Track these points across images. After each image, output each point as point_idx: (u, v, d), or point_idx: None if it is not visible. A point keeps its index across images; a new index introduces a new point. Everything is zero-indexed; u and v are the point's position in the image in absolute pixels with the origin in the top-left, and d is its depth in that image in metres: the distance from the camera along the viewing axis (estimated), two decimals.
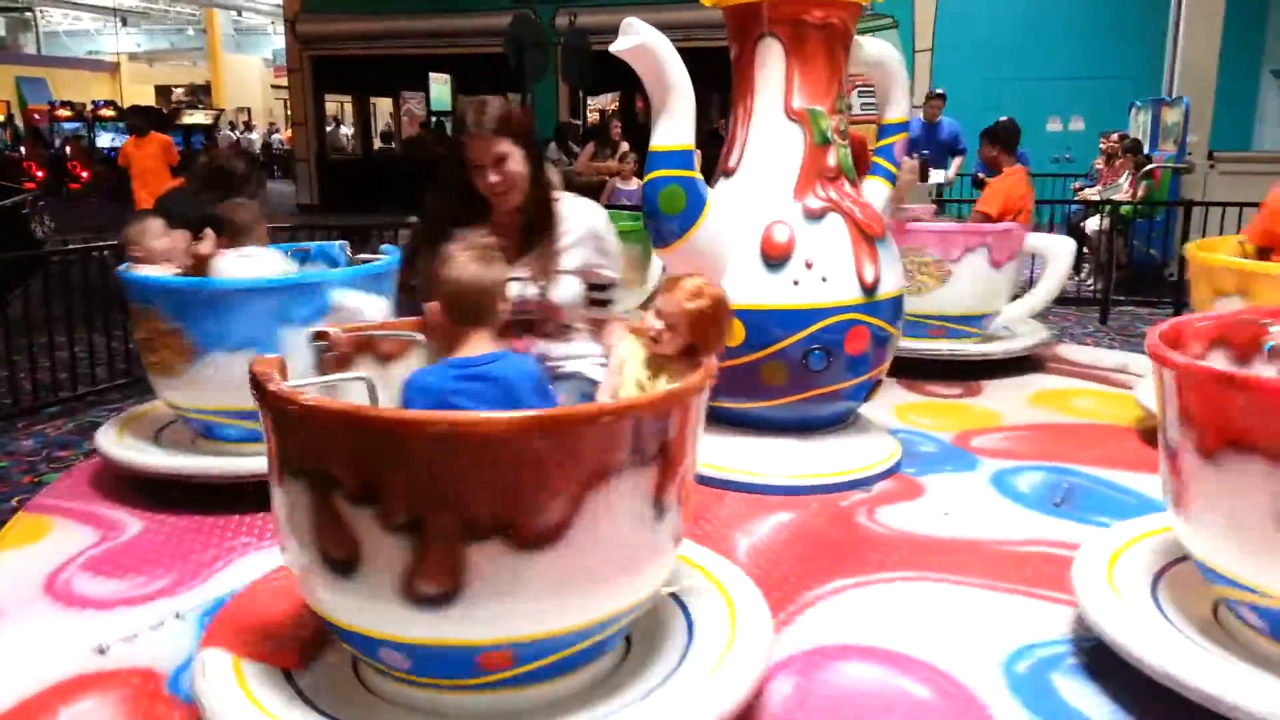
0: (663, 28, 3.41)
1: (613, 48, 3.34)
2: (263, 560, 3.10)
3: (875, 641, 2.67)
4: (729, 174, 3.91)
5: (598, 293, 2.81)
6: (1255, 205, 8.86)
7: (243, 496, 3.49)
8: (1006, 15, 12.78)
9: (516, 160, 2.57)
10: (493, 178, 2.55)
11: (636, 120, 10.93)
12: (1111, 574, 2.67)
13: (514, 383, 2.03)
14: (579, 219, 2.73)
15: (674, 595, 2.46)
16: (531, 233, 2.68)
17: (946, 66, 12.67)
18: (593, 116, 16.11)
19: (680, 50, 3.40)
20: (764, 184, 3.82)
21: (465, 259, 2.14)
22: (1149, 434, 4.35)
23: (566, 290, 2.68)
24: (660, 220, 3.62)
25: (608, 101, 17.66)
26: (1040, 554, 3.28)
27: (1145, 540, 2.85)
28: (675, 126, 3.47)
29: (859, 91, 13.56)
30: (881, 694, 2.44)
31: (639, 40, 3.32)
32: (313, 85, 16.98)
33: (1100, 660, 2.55)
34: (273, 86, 30.73)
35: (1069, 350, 6.25)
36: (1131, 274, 7.81)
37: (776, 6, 3.76)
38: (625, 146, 8.50)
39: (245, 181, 4.43)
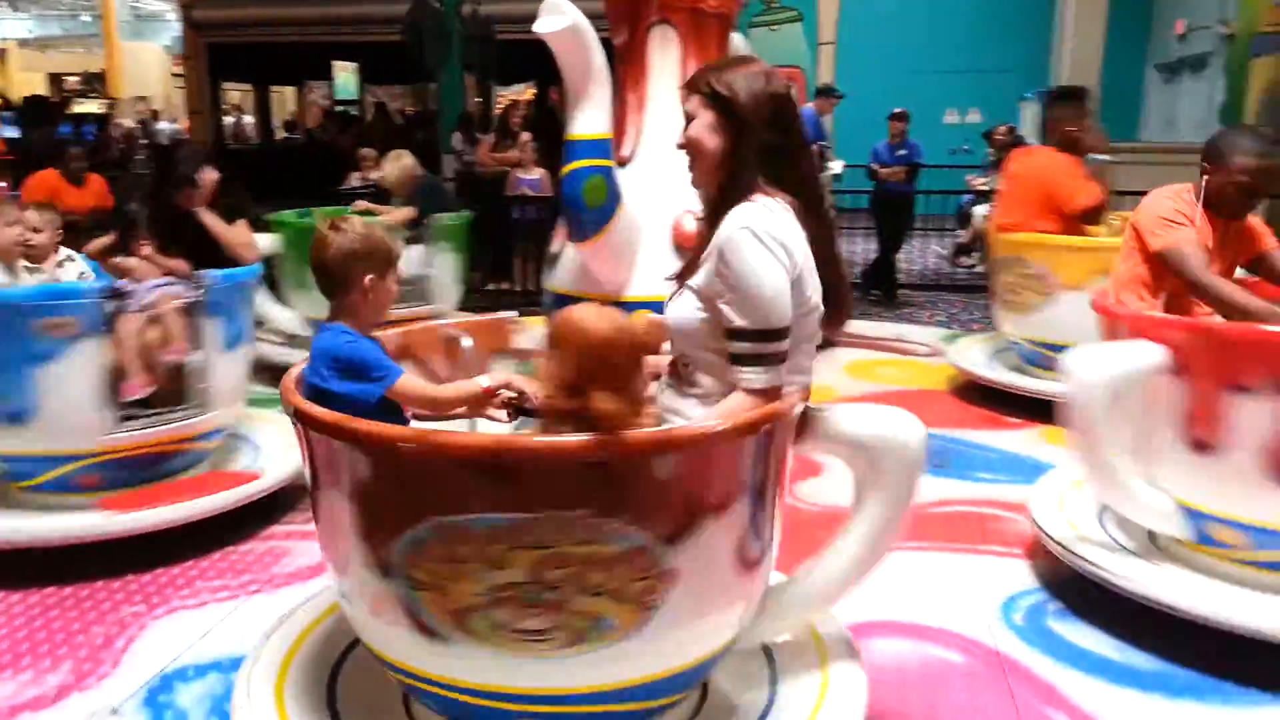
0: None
1: (537, 27, 3.20)
2: (174, 629, 2.76)
3: (885, 616, 2.80)
4: (623, 163, 3.92)
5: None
6: (1139, 194, 9.30)
7: (90, 558, 3.04)
8: (907, 9, 13.10)
9: (704, 127, 2.04)
10: (678, 138, 2.14)
11: (549, 111, 10.86)
12: (1066, 518, 3.02)
13: (312, 356, 2.11)
14: (723, 228, 1.98)
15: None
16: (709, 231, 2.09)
17: (850, 59, 12.95)
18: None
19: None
20: (666, 173, 3.83)
21: (323, 234, 2.16)
22: (961, 393, 5.07)
23: (676, 311, 2.05)
24: (582, 213, 3.48)
25: (520, 91, 17.55)
26: (959, 513, 3.55)
27: (1074, 490, 3.21)
28: (596, 114, 3.38)
29: None
30: (929, 665, 2.58)
31: (569, 22, 3.19)
32: (209, 73, 16.49)
33: (1076, 600, 2.85)
34: (174, 74, 29.73)
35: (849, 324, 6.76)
36: None
37: None
38: (526, 136, 8.46)
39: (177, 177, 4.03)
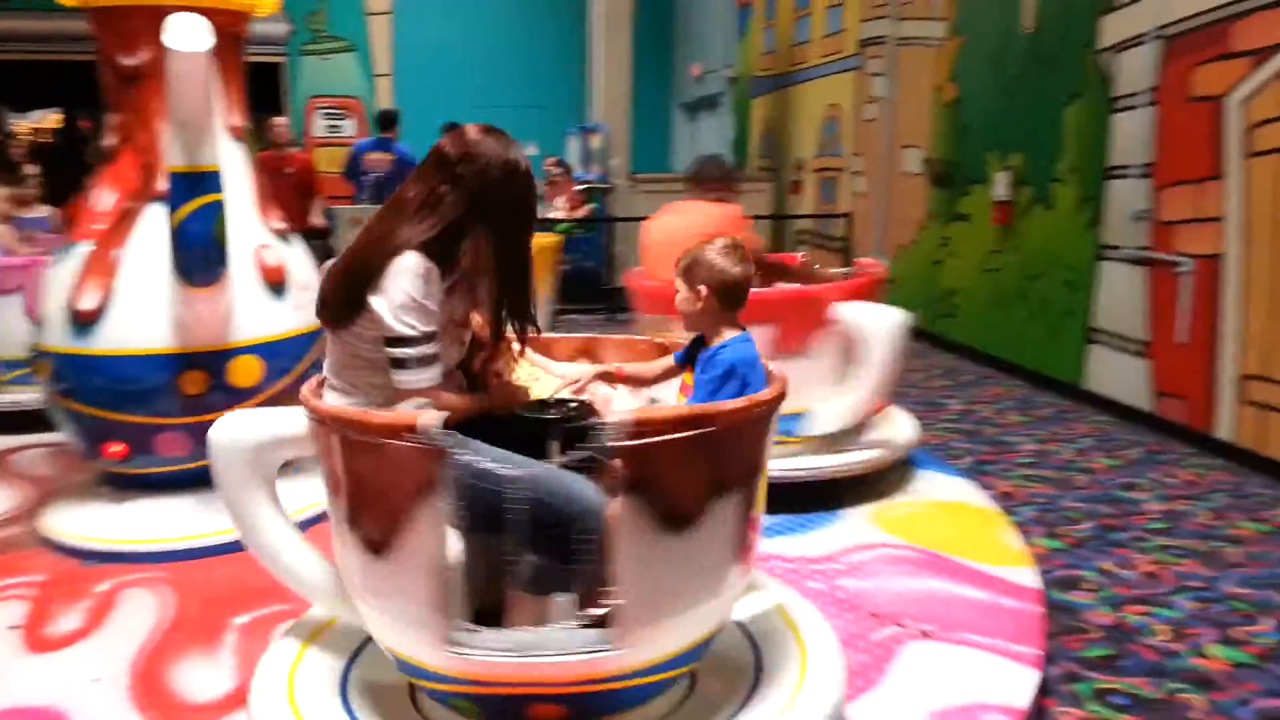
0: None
1: (173, 43, 2.93)
2: None
3: None
4: (162, 198, 3.68)
5: None
6: None
7: None
8: (457, 45, 13.54)
9: None
10: None
11: (80, 140, 9.69)
12: None
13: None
14: None
15: (741, 625, 2.44)
16: None
17: (408, 92, 13.10)
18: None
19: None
20: (229, 207, 3.66)
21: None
22: None
23: None
24: (212, 252, 3.21)
25: (41, 119, 15.55)
26: None
27: None
28: (215, 146, 3.20)
29: (324, 113, 13.59)
30: None
31: (212, 43, 2.98)
32: None
33: None
34: None
35: None
36: (570, 284, 8.83)
37: (213, 16, 3.62)
38: (31, 170, 7.47)
39: None
